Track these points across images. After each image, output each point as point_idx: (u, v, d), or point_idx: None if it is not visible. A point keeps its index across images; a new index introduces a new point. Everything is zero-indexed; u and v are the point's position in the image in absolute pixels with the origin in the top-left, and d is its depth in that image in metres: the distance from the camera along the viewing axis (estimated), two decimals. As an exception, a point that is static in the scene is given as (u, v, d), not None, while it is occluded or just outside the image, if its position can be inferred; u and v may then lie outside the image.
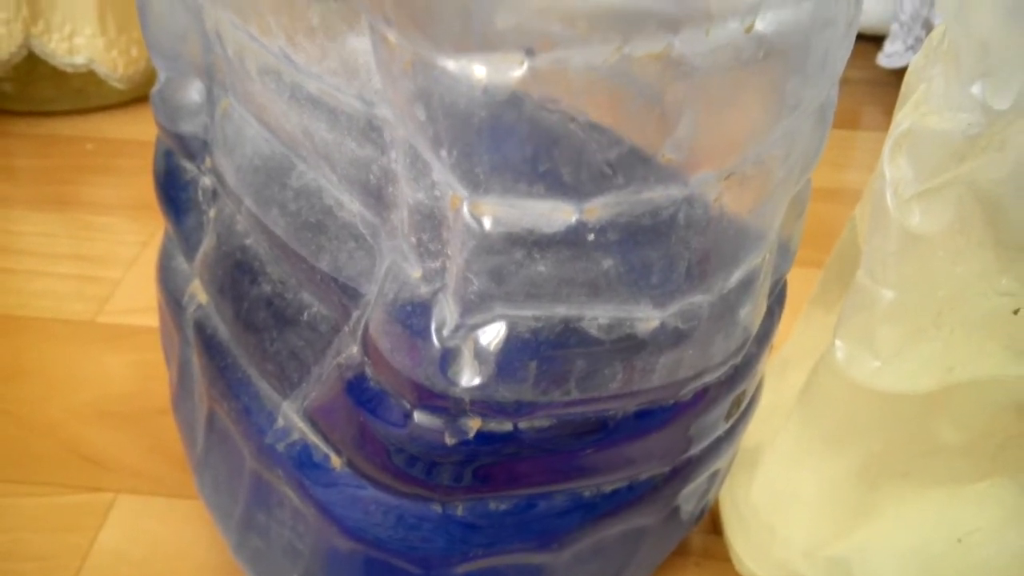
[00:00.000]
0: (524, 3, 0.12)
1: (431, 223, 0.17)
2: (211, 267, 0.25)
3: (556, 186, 0.14)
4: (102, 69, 0.57)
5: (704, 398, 0.20)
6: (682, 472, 0.22)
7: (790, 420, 0.27)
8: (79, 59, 0.56)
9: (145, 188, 0.53)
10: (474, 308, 0.17)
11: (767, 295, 0.21)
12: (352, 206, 0.20)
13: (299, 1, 0.16)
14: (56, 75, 0.57)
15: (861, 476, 0.25)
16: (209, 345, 0.25)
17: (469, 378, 0.17)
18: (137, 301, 0.41)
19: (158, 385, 0.35)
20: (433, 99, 0.14)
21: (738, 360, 0.20)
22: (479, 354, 0.17)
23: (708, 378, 0.20)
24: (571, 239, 0.15)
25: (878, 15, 0.74)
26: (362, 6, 0.14)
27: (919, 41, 0.66)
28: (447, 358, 0.17)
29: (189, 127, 0.26)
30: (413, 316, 0.18)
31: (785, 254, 0.22)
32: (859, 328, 0.22)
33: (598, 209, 0.15)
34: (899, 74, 0.69)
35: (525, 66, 0.13)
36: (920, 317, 0.21)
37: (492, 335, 0.17)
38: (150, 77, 0.59)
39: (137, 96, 0.60)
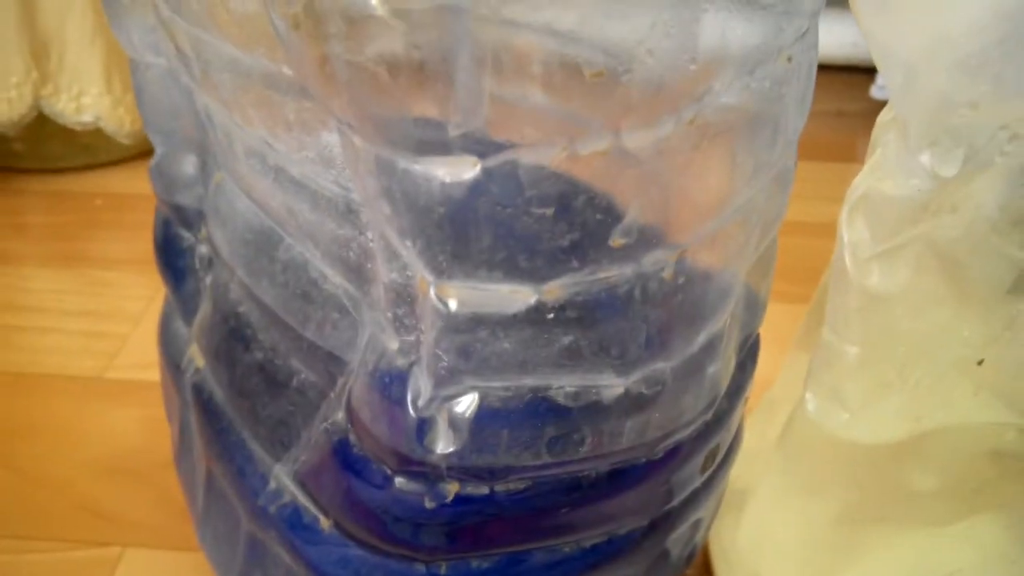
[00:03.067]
0: (471, 119, 0.13)
1: (405, 300, 0.18)
2: (207, 333, 0.26)
3: (514, 271, 0.15)
4: (109, 126, 0.58)
5: (678, 455, 0.21)
6: (662, 524, 0.23)
7: (771, 464, 0.27)
8: (87, 117, 0.58)
9: (151, 242, 0.54)
10: (445, 381, 0.17)
11: (735, 352, 0.22)
12: (335, 279, 0.21)
13: (276, 98, 0.18)
14: (65, 133, 0.59)
15: (841, 521, 0.26)
16: (206, 408, 0.26)
17: (444, 446, 0.18)
18: (145, 356, 0.42)
19: (165, 440, 0.36)
20: (396, 195, 0.15)
21: (709, 416, 0.21)
22: (453, 423, 0.18)
23: (679, 436, 0.20)
24: (532, 318, 0.16)
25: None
26: (329, 110, 0.16)
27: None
28: (423, 427, 0.18)
29: (185, 198, 0.27)
30: (391, 386, 0.19)
31: (754, 309, 0.23)
32: (827, 382, 0.23)
33: (556, 290, 0.16)
34: (890, 107, 0.70)
35: (478, 168, 0.14)
36: (885, 371, 0.22)
37: (465, 405, 0.18)
38: (157, 131, 0.61)
39: (143, 151, 0.61)
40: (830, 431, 0.23)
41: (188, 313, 0.28)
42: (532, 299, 0.16)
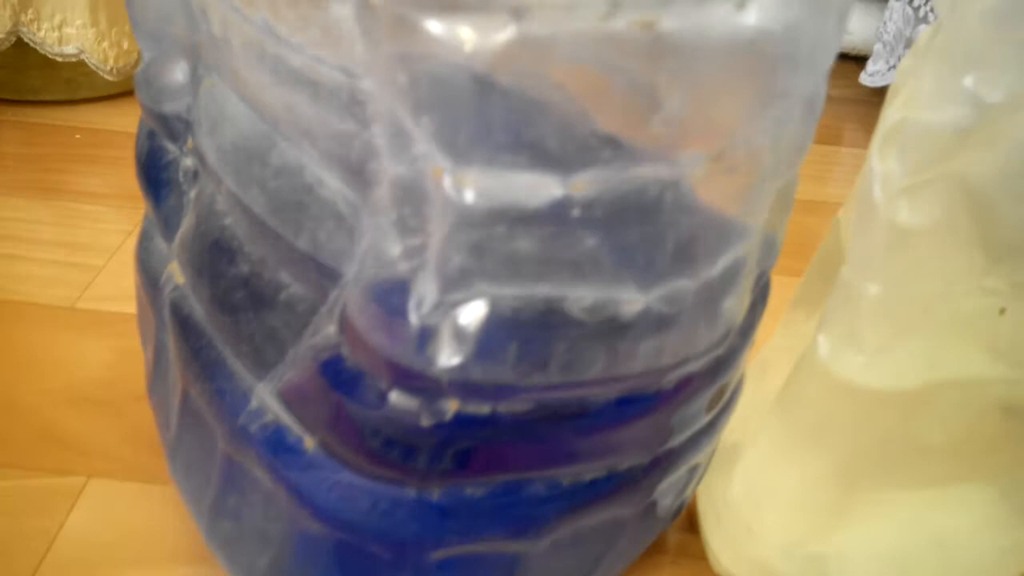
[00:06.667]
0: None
1: (412, 197, 0.16)
2: (189, 247, 0.25)
3: (541, 157, 0.14)
4: (92, 60, 0.56)
5: (686, 388, 0.20)
6: (662, 464, 0.22)
7: (770, 418, 0.26)
8: (69, 49, 0.56)
9: (132, 178, 0.53)
10: (454, 284, 0.16)
11: (751, 288, 0.21)
12: (332, 184, 0.20)
13: (284, -33, 0.16)
14: (46, 64, 0.56)
15: (840, 476, 0.25)
16: (185, 326, 0.24)
17: (447, 358, 0.17)
18: (119, 288, 0.41)
19: (136, 372, 0.35)
20: (415, 63, 0.14)
21: (721, 351, 0.20)
22: (458, 334, 0.17)
23: (691, 367, 0.19)
24: (555, 214, 0.15)
25: (862, 35, 0.76)
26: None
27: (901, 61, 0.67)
28: (425, 337, 0.17)
29: (172, 107, 0.26)
30: (392, 294, 0.17)
31: (770, 249, 0.22)
32: (844, 323, 0.22)
33: (584, 184, 0.15)
34: (881, 93, 0.70)
35: (511, 29, 0.13)
36: (905, 313, 0.21)
37: (472, 314, 0.17)
38: (141, 68, 0.59)
39: (127, 89, 0.59)
40: (841, 378, 0.23)
41: (169, 229, 0.26)
42: (558, 192, 0.15)
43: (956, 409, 0.23)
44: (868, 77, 0.68)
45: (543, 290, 0.16)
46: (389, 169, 0.17)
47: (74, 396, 0.35)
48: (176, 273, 0.25)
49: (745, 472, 0.27)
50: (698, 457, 0.24)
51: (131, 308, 0.39)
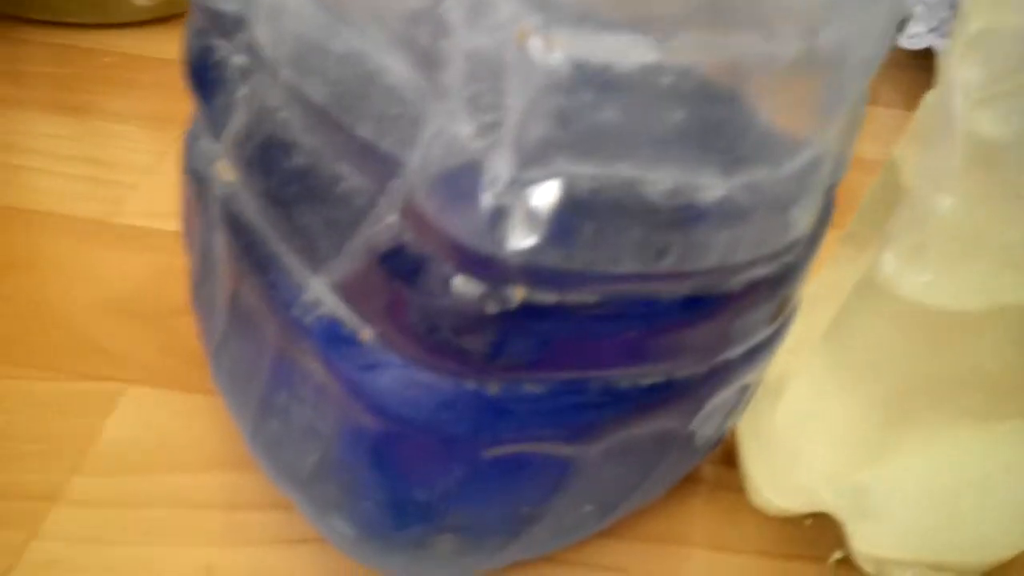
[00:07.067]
0: None
1: (489, 71, 0.16)
2: (241, 144, 0.24)
3: (639, 16, 0.14)
4: (126, -17, 0.55)
5: (752, 293, 0.19)
6: (718, 375, 0.21)
7: (822, 346, 0.26)
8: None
9: (164, 103, 0.52)
10: (532, 160, 0.16)
11: (821, 198, 0.20)
12: (399, 69, 0.19)
13: None
14: (77, -15, 0.56)
15: (890, 406, 0.25)
16: (236, 223, 0.24)
17: (519, 239, 0.17)
18: (154, 205, 0.40)
19: (173, 286, 0.35)
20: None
21: (789, 258, 0.20)
22: (531, 214, 0.16)
23: (759, 271, 0.19)
24: (645, 81, 0.14)
25: (903, 0, 0.75)
26: None
27: (943, 23, 0.66)
28: (497, 217, 0.17)
29: (226, 3, 0.25)
30: (463, 175, 0.17)
31: (840, 163, 0.22)
32: (912, 239, 0.22)
33: (679, 49, 0.14)
34: (919, 56, 0.69)
35: None
36: (975, 230, 0.21)
37: (547, 195, 0.16)
38: (173, -2, 0.58)
39: (158, 15, 0.59)
40: (904, 297, 0.22)
41: (218, 128, 0.26)
42: (651, 56, 0.14)
43: (1012, 337, 0.23)
44: (908, 40, 0.67)
45: (622, 169, 0.16)
46: (464, 43, 0.16)
47: (111, 307, 0.34)
48: (226, 170, 0.25)
49: (793, 400, 0.26)
50: (750, 376, 0.23)
51: (167, 225, 0.39)
